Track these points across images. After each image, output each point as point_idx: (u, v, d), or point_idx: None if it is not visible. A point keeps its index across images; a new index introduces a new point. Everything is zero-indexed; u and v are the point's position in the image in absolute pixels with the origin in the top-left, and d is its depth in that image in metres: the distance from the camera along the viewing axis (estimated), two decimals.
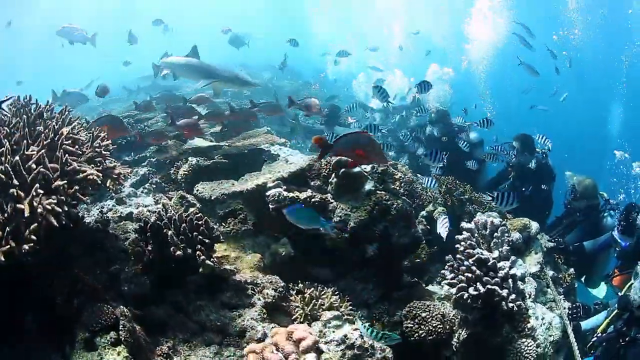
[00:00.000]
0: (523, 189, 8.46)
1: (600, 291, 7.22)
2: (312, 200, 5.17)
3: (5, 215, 3.37)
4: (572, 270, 6.35)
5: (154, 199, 6.61)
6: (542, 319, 4.96)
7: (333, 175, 5.48)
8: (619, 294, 5.43)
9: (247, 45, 16.53)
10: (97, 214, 5.69)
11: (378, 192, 5.33)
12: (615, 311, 5.15)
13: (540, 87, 18.56)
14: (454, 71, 13.39)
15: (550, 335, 4.90)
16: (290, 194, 5.16)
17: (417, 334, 4.79)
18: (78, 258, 4.32)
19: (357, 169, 5.38)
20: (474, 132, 9.97)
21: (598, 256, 7.22)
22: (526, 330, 4.75)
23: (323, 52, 17.46)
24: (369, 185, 5.35)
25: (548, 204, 8.64)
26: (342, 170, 5.35)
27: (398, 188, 5.57)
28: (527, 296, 5.07)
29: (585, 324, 5.47)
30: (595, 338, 5.13)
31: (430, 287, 5.67)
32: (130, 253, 4.45)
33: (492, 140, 9.74)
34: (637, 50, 24.27)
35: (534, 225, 6.01)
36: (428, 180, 6.36)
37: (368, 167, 5.52)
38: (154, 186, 6.99)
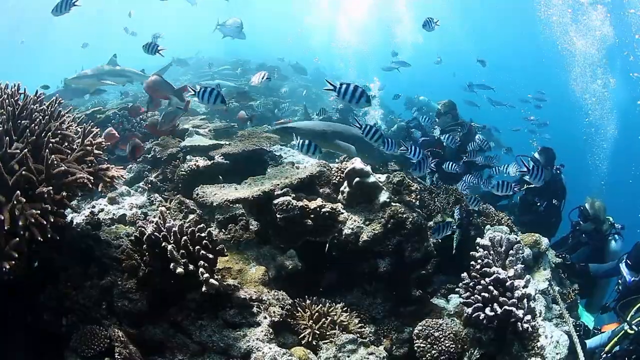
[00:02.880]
0: (538, 204, 8.05)
1: (589, 319, 6.96)
2: (323, 210, 4.64)
3: None
4: (576, 286, 6.16)
5: (149, 199, 6.02)
6: (551, 337, 4.78)
7: (345, 184, 4.99)
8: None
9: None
10: (88, 215, 5.08)
11: (393, 204, 4.92)
12: (622, 332, 5.20)
13: None
14: None
15: (558, 354, 4.68)
16: (300, 203, 4.63)
17: (429, 354, 4.40)
18: (66, 269, 3.80)
19: (372, 179, 4.83)
20: (481, 135, 9.52)
21: (599, 282, 7.21)
22: (536, 349, 4.47)
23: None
24: (384, 197, 4.90)
25: (557, 220, 8.45)
26: (357, 179, 4.81)
27: (414, 200, 5.05)
28: (538, 314, 4.87)
29: (589, 343, 5.44)
30: (604, 355, 5.18)
31: (435, 301, 5.27)
32: (124, 268, 3.85)
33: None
34: None
35: (544, 242, 5.80)
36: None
37: (383, 177, 5.05)
38: (149, 185, 6.40)
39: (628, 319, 5.29)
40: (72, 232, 4.24)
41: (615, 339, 5.25)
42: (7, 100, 3.79)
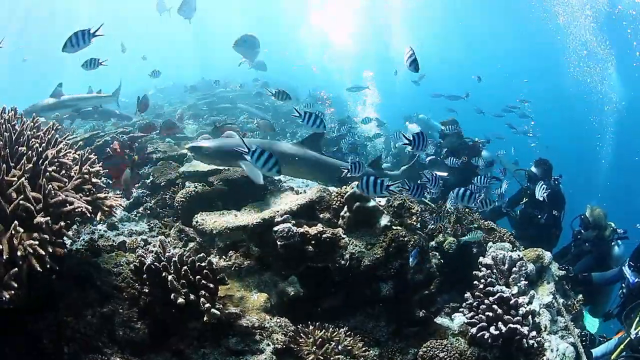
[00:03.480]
0: (539, 216, 8.05)
1: (594, 323, 6.89)
2: (324, 236, 4.60)
3: None
4: (580, 296, 6.07)
5: (149, 225, 5.98)
6: (557, 350, 4.74)
7: (345, 208, 4.96)
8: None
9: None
10: (87, 241, 5.04)
11: (394, 227, 4.88)
12: (627, 340, 5.13)
13: None
14: None
15: None
16: (300, 229, 4.60)
17: None
18: (66, 296, 3.74)
19: (372, 203, 4.82)
20: (486, 150, 9.58)
21: (602, 290, 7.15)
22: None
23: None
24: (384, 220, 4.87)
25: (558, 231, 8.42)
26: (357, 204, 4.79)
27: (415, 223, 5.01)
28: (543, 329, 4.87)
29: (595, 352, 5.37)
30: None
31: (439, 320, 5.22)
32: (125, 296, 3.81)
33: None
34: None
35: (547, 256, 5.70)
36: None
37: (383, 201, 5.02)
38: (149, 211, 6.35)
39: (634, 325, 5.24)
40: (72, 259, 4.21)
41: (622, 346, 5.21)
42: (4, 126, 3.77)
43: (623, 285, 6.24)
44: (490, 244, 5.78)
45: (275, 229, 4.55)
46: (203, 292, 3.62)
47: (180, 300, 3.50)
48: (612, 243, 7.60)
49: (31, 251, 2.96)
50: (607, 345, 5.40)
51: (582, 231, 7.84)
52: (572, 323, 5.27)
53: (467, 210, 6.28)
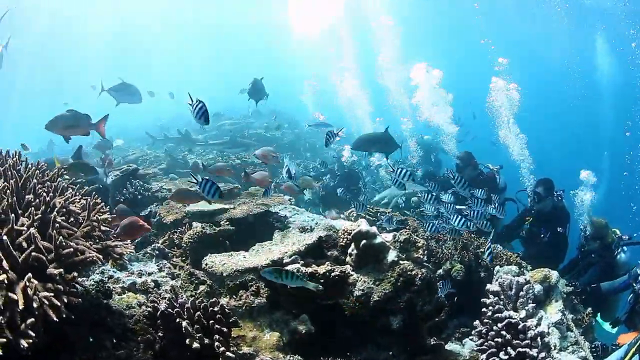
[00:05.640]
0: (542, 235, 8.09)
1: (606, 326, 7.02)
2: (332, 274, 4.66)
3: None
4: (589, 309, 6.11)
5: (158, 265, 6.00)
6: None
7: (353, 246, 5.01)
8: None
9: None
10: (98, 282, 5.04)
11: (401, 262, 4.90)
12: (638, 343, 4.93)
13: None
14: None
15: None
16: (309, 269, 4.65)
17: None
18: (80, 341, 3.75)
19: (379, 240, 4.86)
20: (500, 175, 9.65)
21: (609, 299, 7.13)
22: None
23: None
24: (391, 256, 4.89)
25: (564, 246, 8.38)
26: (364, 241, 4.84)
27: (422, 256, 5.05)
28: (552, 348, 4.85)
29: None
30: None
31: (450, 346, 5.27)
32: (139, 341, 3.85)
33: None
34: None
35: (554, 275, 5.76)
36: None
37: (389, 237, 5.06)
38: (157, 252, 6.36)
39: None
40: (84, 301, 4.22)
41: (633, 349, 5.20)
42: (9, 172, 3.75)
43: (635, 285, 6.22)
44: (497, 267, 5.80)
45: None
46: (217, 336, 3.64)
47: (196, 345, 3.52)
48: (618, 251, 7.57)
49: (47, 303, 2.99)
50: (619, 353, 5.38)
51: (585, 243, 7.84)
52: (583, 337, 5.31)
53: (472, 236, 6.32)
